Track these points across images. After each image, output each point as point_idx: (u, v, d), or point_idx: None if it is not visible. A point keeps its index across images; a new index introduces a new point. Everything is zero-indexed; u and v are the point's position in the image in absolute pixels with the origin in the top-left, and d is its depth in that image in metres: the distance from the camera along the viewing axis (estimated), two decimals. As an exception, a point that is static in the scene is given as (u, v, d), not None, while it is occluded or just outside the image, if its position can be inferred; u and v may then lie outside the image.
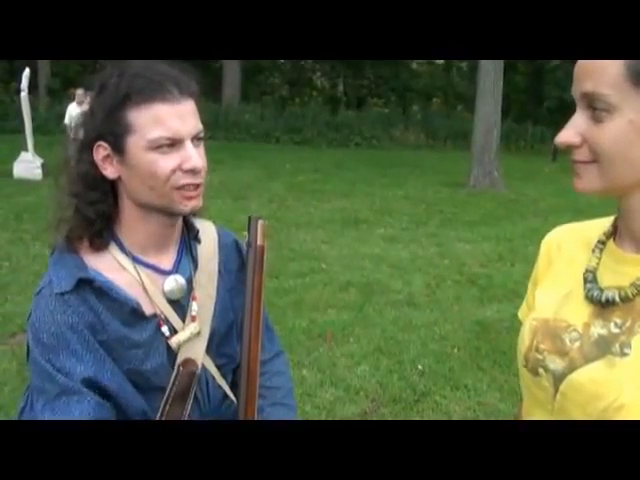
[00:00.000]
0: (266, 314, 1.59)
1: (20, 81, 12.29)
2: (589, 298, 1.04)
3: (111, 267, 1.32)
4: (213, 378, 1.42)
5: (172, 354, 1.35)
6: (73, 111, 12.06)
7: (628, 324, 0.99)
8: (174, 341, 1.34)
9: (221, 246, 1.48)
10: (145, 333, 1.32)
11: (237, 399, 1.41)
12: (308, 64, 28.45)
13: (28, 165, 12.00)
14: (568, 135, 0.98)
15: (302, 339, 4.98)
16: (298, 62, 27.89)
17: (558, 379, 1.04)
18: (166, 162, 1.25)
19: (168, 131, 1.24)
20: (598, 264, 1.08)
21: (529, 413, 1.14)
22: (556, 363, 1.05)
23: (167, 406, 1.33)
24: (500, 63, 13.04)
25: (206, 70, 24.43)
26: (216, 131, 19.21)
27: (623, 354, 0.97)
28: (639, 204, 1.00)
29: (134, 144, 1.25)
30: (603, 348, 1.00)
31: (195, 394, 1.37)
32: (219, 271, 1.45)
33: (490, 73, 13.02)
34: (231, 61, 22.73)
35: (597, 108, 0.94)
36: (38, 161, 11.96)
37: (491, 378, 4.41)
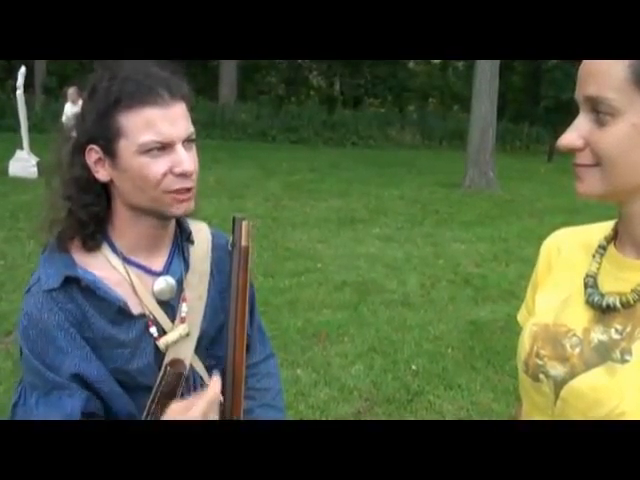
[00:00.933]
0: (258, 317, 1.59)
1: (16, 79, 12.26)
2: (590, 303, 1.04)
3: (101, 266, 1.33)
4: (201, 379, 1.42)
5: (160, 355, 1.36)
6: (69, 110, 12.04)
7: (629, 330, 0.98)
8: (162, 342, 1.35)
9: (214, 247, 1.49)
10: (132, 333, 1.33)
11: (223, 400, 1.42)
12: (305, 63, 28.41)
13: (24, 164, 11.96)
14: (571, 138, 0.97)
15: (297, 338, 4.98)
16: (295, 61, 27.85)
17: (559, 385, 1.03)
18: (157, 166, 1.25)
19: (159, 135, 1.24)
20: (599, 269, 1.07)
21: (529, 418, 1.13)
22: (557, 369, 1.04)
23: (153, 405, 1.34)
24: (496, 63, 13.04)
25: (203, 69, 24.43)
26: (212, 130, 19.20)
27: (624, 361, 0.97)
28: None
29: (125, 148, 1.25)
30: (603, 354, 0.99)
31: (182, 394, 1.37)
32: (211, 272, 1.45)
33: (486, 73, 13.02)
34: (227, 60, 22.70)
35: (601, 112, 0.94)
36: (34, 160, 11.92)
37: (485, 378, 4.41)
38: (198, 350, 1.41)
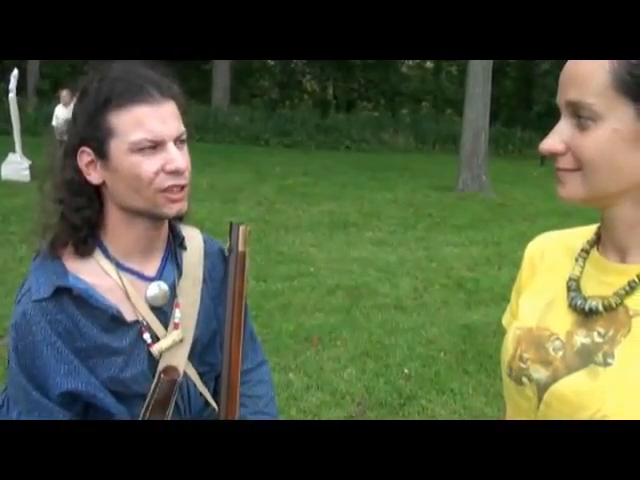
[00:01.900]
0: (250, 324, 1.58)
1: (8, 82, 12.23)
2: (572, 307, 1.04)
3: (94, 272, 1.32)
4: (195, 386, 1.41)
5: (153, 361, 1.34)
6: (59, 112, 12.01)
7: (611, 333, 0.99)
8: (156, 348, 1.33)
9: (207, 254, 1.47)
10: (125, 340, 1.32)
11: (218, 406, 1.41)
12: (298, 67, 28.45)
13: (16, 167, 11.93)
14: (552, 143, 0.98)
15: (289, 343, 4.97)
16: (288, 65, 27.88)
17: (542, 389, 1.03)
18: (149, 164, 1.24)
19: (149, 133, 1.23)
20: (582, 273, 1.07)
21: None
22: (540, 372, 1.04)
23: (147, 413, 1.32)
24: (489, 68, 13.08)
25: (196, 72, 24.41)
26: (205, 133, 19.18)
27: (606, 364, 0.97)
28: (623, 213, 1.00)
29: (116, 147, 1.24)
30: (586, 358, 0.99)
31: (176, 402, 1.36)
32: (204, 279, 1.44)
33: (479, 77, 13.06)
34: (221, 63, 22.70)
35: (582, 116, 0.94)
36: (26, 163, 11.89)
37: (477, 382, 4.42)
38: (192, 357, 1.40)
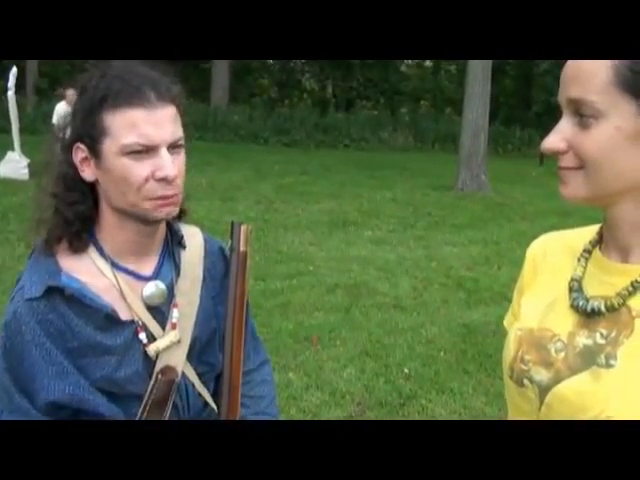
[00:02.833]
0: (252, 323, 1.57)
1: (7, 80, 12.21)
2: (574, 307, 1.03)
3: (88, 271, 1.31)
4: (193, 386, 1.40)
5: (149, 361, 1.33)
6: (61, 110, 11.98)
7: (613, 335, 0.98)
8: (152, 348, 1.32)
9: (207, 253, 1.46)
10: (119, 339, 1.30)
11: (218, 407, 1.40)
12: (297, 66, 28.44)
13: (15, 165, 11.90)
14: (554, 141, 0.97)
15: (289, 342, 4.96)
16: (287, 64, 27.86)
17: (543, 391, 1.03)
18: (139, 169, 1.23)
19: (142, 137, 1.22)
20: (584, 273, 1.06)
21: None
22: (541, 374, 1.03)
23: (145, 414, 1.31)
24: (488, 67, 13.08)
25: (195, 71, 24.40)
26: (204, 132, 19.15)
27: (609, 365, 0.96)
28: (625, 213, 0.99)
29: (109, 148, 1.24)
30: (588, 359, 0.99)
31: (174, 402, 1.35)
32: (204, 278, 1.43)
33: (478, 77, 13.05)
34: (220, 62, 22.68)
35: (584, 114, 0.94)
36: (25, 161, 11.87)
37: (477, 382, 4.41)
38: (190, 357, 1.39)
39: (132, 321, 1.32)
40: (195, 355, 1.39)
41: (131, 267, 1.34)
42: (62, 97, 12.60)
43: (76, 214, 1.30)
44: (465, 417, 3.95)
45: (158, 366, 1.34)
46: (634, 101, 0.91)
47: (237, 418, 1.37)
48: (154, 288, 1.35)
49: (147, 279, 1.35)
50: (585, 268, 1.07)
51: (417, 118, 23.95)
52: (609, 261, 1.04)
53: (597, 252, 1.07)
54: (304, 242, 8.18)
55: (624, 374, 0.94)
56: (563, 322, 1.04)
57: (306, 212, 10.12)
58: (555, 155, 0.99)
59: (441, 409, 4.05)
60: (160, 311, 1.36)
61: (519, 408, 1.09)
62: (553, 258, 1.16)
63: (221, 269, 1.47)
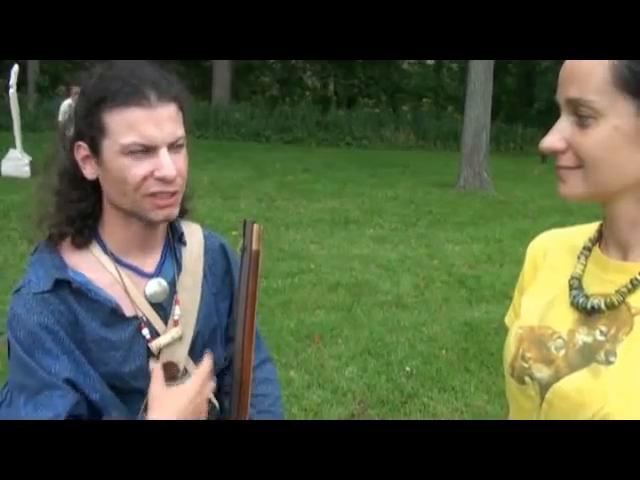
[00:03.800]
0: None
1: (9, 78, 12.21)
2: (574, 305, 1.04)
3: (92, 267, 1.32)
4: None
5: (152, 357, 1.34)
6: (67, 108, 11.96)
7: (613, 332, 0.98)
8: (154, 344, 1.33)
9: (207, 249, 1.47)
10: (124, 334, 1.31)
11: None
12: (299, 63, 28.39)
13: (16, 163, 11.91)
14: (553, 140, 0.98)
15: (290, 340, 4.96)
16: (289, 61, 27.83)
17: (544, 388, 1.03)
18: (137, 169, 1.23)
19: (141, 137, 1.22)
20: (584, 271, 1.07)
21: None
22: (542, 372, 1.04)
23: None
24: (490, 65, 13.07)
25: (196, 69, 24.38)
26: (206, 130, 19.18)
27: (608, 362, 0.97)
28: (624, 210, 1.00)
29: (108, 147, 1.24)
30: (588, 356, 0.99)
31: None
32: (204, 274, 1.44)
33: (480, 74, 13.04)
34: (221, 60, 22.67)
35: (582, 114, 0.94)
36: (26, 159, 11.87)
37: (479, 380, 4.41)
38: (192, 353, 1.39)
39: (136, 317, 1.33)
40: (197, 351, 1.40)
41: (134, 263, 1.35)
42: (67, 95, 12.62)
43: (78, 212, 1.31)
44: (467, 415, 3.95)
45: (160, 362, 1.34)
46: (632, 100, 0.92)
47: (247, 417, 1.36)
48: (157, 286, 1.36)
49: (150, 276, 1.36)
50: (585, 266, 1.07)
51: (419, 116, 23.91)
52: (609, 259, 1.04)
53: (597, 250, 1.07)
54: (306, 240, 8.18)
55: (623, 371, 0.95)
56: (563, 320, 1.05)
57: (308, 210, 10.12)
58: (554, 154, 0.99)
59: (443, 407, 4.04)
60: (162, 307, 1.37)
61: (520, 406, 1.09)
62: (553, 256, 1.17)
63: (222, 265, 1.47)
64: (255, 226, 1.36)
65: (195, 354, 1.40)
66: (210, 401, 1.42)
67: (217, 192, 10.71)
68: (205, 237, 1.49)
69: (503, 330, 1.20)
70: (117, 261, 1.33)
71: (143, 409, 1.32)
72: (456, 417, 3.92)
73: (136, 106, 1.22)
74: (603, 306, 1.00)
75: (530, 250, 1.22)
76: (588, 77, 0.93)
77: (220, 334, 1.45)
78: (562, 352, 1.02)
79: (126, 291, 1.32)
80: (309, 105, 24.38)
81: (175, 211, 1.31)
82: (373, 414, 3.93)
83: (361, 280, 6.57)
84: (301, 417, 3.82)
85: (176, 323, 1.36)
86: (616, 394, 0.94)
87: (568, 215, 9.32)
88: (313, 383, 4.29)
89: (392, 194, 11.79)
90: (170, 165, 1.24)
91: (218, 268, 1.47)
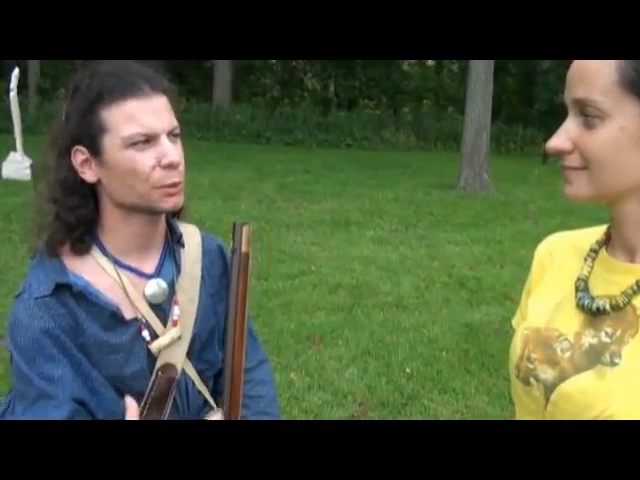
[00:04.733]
0: (249, 322, 1.58)
1: (9, 81, 12.22)
2: (580, 307, 1.03)
3: (92, 270, 1.32)
4: (193, 384, 1.41)
5: (152, 359, 1.35)
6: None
7: (618, 334, 0.98)
8: (154, 346, 1.34)
9: (205, 251, 1.48)
10: (125, 337, 1.32)
11: (219, 406, 1.40)
12: (299, 65, 28.40)
13: (17, 165, 11.90)
14: (559, 141, 0.98)
15: (290, 342, 4.95)
16: (289, 63, 27.83)
17: (549, 389, 1.03)
18: (144, 158, 1.25)
19: (142, 127, 1.24)
20: (590, 272, 1.07)
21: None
22: (547, 373, 1.04)
23: (145, 411, 1.32)
24: (490, 65, 13.06)
25: (197, 70, 24.38)
26: (207, 132, 19.15)
27: (613, 364, 0.96)
28: (630, 212, 0.99)
29: (110, 143, 1.24)
30: (593, 358, 0.99)
31: (174, 400, 1.37)
32: (202, 276, 1.44)
33: (480, 75, 13.03)
34: (222, 61, 22.64)
35: (589, 114, 0.94)
36: (27, 162, 11.86)
37: (479, 381, 4.40)
38: (190, 354, 1.40)
39: (135, 319, 1.33)
40: (195, 353, 1.41)
41: (134, 265, 1.36)
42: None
43: (78, 218, 1.31)
44: (467, 417, 3.94)
45: (159, 363, 1.35)
46: (639, 101, 0.91)
47: (238, 418, 1.37)
48: (156, 287, 1.36)
49: (149, 277, 1.37)
50: (592, 268, 1.07)
51: (419, 117, 23.90)
52: (615, 260, 1.04)
53: (604, 252, 1.07)
54: (306, 242, 8.17)
55: (628, 372, 0.95)
56: (570, 322, 1.05)
57: (308, 211, 10.11)
58: (560, 155, 0.99)
59: (443, 409, 4.04)
60: (161, 308, 1.37)
61: (526, 407, 1.09)
62: (560, 258, 1.16)
63: (219, 267, 1.48)
64: (245, 228, 1.36)
65: (193, 356, 1.40)
66: (208, 403, 1.43)
67: (218, 193, 10.70)
68: (203, 239, 1.49)
69: (504, 331, 1.20)
70: (116, 263, 1.34)
71: (140, 409, 1.32)
72: (456, 419, 3.91)
73: (133, 97, 1.23)
74: (608, 307, 1.00)
75: (538, 252, 1.22)
76: (595, 77, 0.93)
77: (218, 336, 1.45)
78: (568, 354, 1.02)
79: (126, 293, 1.33)
80: (310, 106, 24.37)
81: (181, 200, 1.32)
82: (373, 416, 3.92)
83: (361, 281, 6.56)
84: (302, 419, 3.81)
85: (175, 323, 1.37)
86: (621, 395, 0.93)
87: (569, 216, 9.31)
88: (313, 385, 4.28)
89: (392, 195, 11.78)
90: (174, 151, 1.26)
91: (216, 270, 1.48)
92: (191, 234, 1.48)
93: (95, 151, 1.26)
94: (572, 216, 9.14)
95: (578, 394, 0.98)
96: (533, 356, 1.07)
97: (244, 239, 1.37)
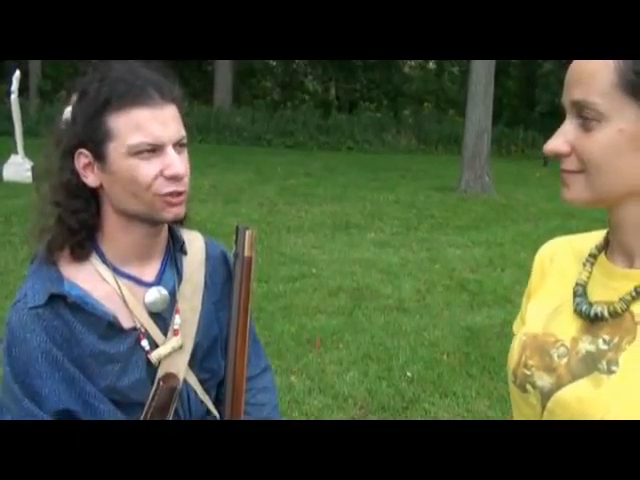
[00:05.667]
0: (253, 327, 1.56)
1: (10, 83, 12.22)
2: (578, 312, 1.02)
3: (91, 278, 1.30)
4: (195, 393, 1.39)
5: (152, 369, 1.32)
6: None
7: (616, 341, 0.97)
8: (154, 355, 1.31)
9: (208, 258, 1.45)
10: (122, 346, 1.29)
11: (221, 415, 1.39)
12: (300, 68, 28.44)
13: (18, 168, 11.90)
14: (557, 144, 0.97)
15: (291, 345, 4.95)
16: (290, 65, 27.88)
17: (545, 396, 1.02)
18: (147, 168, 1.23)
19: (149, 136, 1.22)
20: (589, 278, 1.06)
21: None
22: (544, 380, 1.03)
23: None
24: (491, 68, 13.05)
25: (197, 73, 24.42)
26: (207, 134, 19.15)
27: (610, 372, 0.95)
28: (629, 216, 0.98)
29: (115, 150, 1.23)
30: (590, 365, 0.98)
31: (176, 409, 1.34)
32: (205, 283, 1.42)
33: (481, 78, 13.03)
34: (223, 64, 22.68)
35: (587, 117, 0.93)
36: (28, 164, 11.85)
37: (480, 385, 4.39)
38: (192, 363, 1.38)
39: (134, 328, 1.31)
40: (197, 362, 1.38)
41: (133, 273, 1.34)
42: (68, 102, 12.62)
43: (80, 222, 1.29)
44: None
45: (160, 373, 1.33)
46: (637, 104, 0.91)
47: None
48: (157, 294, 1.34)
49: (149, 285, 1.35)
50: (590, 273, 1.06)
51: (420, 120, 23.88)
52: (614, 266, 1.03)
53: (602, 257, 1.06)
54: (307, 244, 8.16)
55: (625, 380, 0.94)
56: (567, 327, 1.04)
57: (309, 214, 10.10)
58: (558, 158, 0.98)
59: (444, 413, 4.03)
60: (162, 317, 1.35)
61: (523, 413, 1.08)
62: (560, 263, 1.15)
63: (223, 274, 1.46)
64: (248, 232, 1.35)
65: (195, 365, 1.38)
66: (211, 412, 1.41)
67: (218, 196, 10.70)
68: (206, 244, 1.48)
69: (505, 335, 1.19)
70: (115, 271, 1.32)
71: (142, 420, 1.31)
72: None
73: (142, 106, 1.22)
74: (606, 314, 0.98)
75: (538, 257, 1.21)
76: (593, 79, 0.92)
77: (220, 344, 1.42)
78: (564, 360, 1.01)
79: (125, 302, 1.31)
80: (310, 109, 24.35)
81: (183, 211, 1.30)
82: (374, 419, 3.91)
83: (362, 284, 6.55)
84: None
85: (176, 332, 1.35)
86: (617, 404, 0.92)
87: (570, 218, 9.30)
88: (314, 388, 4.27)
89: (393, 198, 11.78)
90: (179, 162, 1.24)
91: (219, 276, 1.46)
92: (194, 240, 1.46)
93: (99, 156, 1.25)
94: (573, 218, 9.13)
95: (575, 403, 0.97)
96: (530, 362, 1.06)
97: (247, 243, 1.35)
